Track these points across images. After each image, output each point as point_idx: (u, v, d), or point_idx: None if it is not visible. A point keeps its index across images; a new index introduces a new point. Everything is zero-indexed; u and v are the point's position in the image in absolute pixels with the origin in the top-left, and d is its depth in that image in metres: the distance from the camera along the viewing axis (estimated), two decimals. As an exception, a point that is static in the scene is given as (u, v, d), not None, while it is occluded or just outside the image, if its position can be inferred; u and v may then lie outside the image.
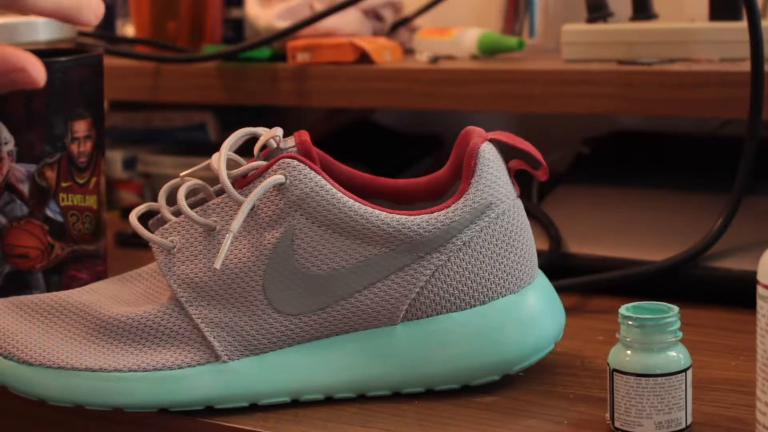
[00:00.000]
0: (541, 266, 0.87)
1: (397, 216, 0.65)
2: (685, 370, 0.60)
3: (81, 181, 0.79)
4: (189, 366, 0.65)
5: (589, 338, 0.77)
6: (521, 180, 0.71)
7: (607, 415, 0.61)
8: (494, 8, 1.14)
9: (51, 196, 0.78)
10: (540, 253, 0.89)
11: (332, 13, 1.03)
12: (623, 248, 0.88)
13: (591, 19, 0.99)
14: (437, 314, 0.66)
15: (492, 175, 0.66)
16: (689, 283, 0.84)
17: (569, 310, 0.84)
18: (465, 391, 0.68)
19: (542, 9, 1.11)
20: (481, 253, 0.66)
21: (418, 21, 1.15)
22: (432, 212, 0.65)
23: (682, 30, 0.94)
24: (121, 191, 1.23)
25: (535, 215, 0.94)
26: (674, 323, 0.60)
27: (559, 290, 0.85)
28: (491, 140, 0.68)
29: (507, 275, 0.67)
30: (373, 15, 1.11)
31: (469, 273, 0.66)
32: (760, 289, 0.56)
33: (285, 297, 0.65)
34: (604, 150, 1.05)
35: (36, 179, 0.77)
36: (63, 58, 0.77)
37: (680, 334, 0.61)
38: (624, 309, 0.61)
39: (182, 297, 0.65)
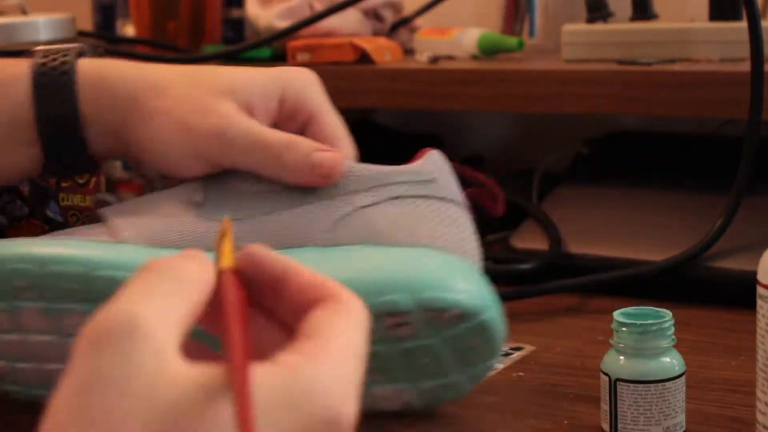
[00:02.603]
0: (542, 266, 0.88)
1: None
2: (684, 373, 0.60)
3: (81, 181, 0.79)
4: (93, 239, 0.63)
5: (589, 338, 0.77)
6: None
7: (606, 425, 0.61)
8: (494, 8, 1.14)
9: (51, 197, 0.78)
10: (540, 253, 0.89)
11: (332, 13, 1.03)
12: (623, 248, 0.88)
13: (591, 19, 0.99)
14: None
15: (442, 167, 0.65)
16: (689, 283, 0.84)
17: (569, 310, 0.84)
18: (465, 391, 0.68)
19: (542, 9, 1.11)
20: (414, 212, 0.63)
21: (418, 21, 1.15)
22: (376, 165, 0.65)
23: (682, 30, 0.94)
24: (121, 191, 1.23)
25: (535, 215, 0.95)
26: (671, 328, 0.61)
27: (559, 290, 0.85)
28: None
29: (431, 240, 0.63)
30: (373, 15, 1.11)
31: (396, 220, 0.63)
32: (760, 289, 0.56)
33: (210, 201, 0.64)
34: (604, 150, 1.05)
35: (36, 179, 0.77)
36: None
37: (675, 338, 0.61)
38: (619, 316, 0.61)
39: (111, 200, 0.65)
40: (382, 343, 0.60)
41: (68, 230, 0.65)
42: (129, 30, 1.23)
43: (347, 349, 0.39)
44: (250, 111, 0.64)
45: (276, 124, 0.65)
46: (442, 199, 0.64)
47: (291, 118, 0.65)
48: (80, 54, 0.66)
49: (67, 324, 0.61)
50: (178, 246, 0.61)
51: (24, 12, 1.05)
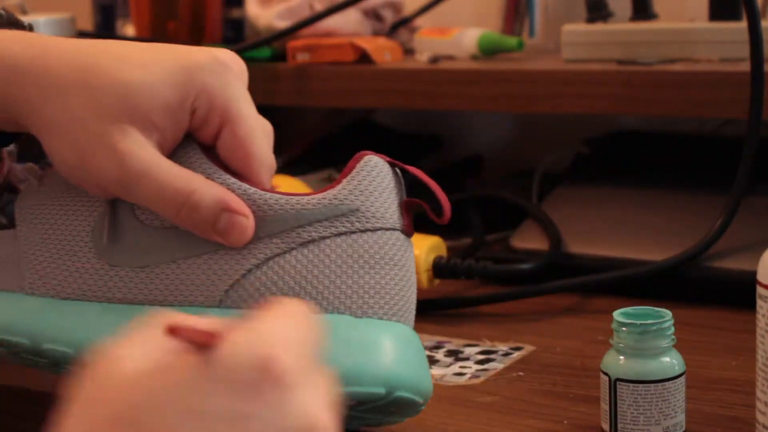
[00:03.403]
0: (542, 266, 0.88)
1: (246, 185, 0.58)
2: (684, 373, 0.60)
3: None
4: None
5: (589, 338, 0.77)
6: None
7: (606, 425, 0.61)
8: (494, 8, 1.14)
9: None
10: (540, 253, 0.89)
11: (332, 13, 1.03)
12: (623, 248, 0.88)
13: (591, 19, 0.99)
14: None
15: (369, 185, 0.59)
16: (689, 283, 0.84)
17: (569, 310, 0.84)
18: (465, 391, 0.68)
19: (542, 9, 1.11)
20: (330, 258, 0.58)
21: (418, 21, 1.15)
22: (287, 194, 0.59)
23: (682, 30, 0.94)
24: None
25: (535, 215, 0.95)
26: (670, 328, 0.61)
27: (559, 290, 0.85)
28: (393, 165, 0.61)
29: (354, 295, 0.58)
30: (373, 15, 1.11)
31: (308, 274, 0.58)
32: (760, 289, 0.56)
33: (112, 245, 0.60)
34: (604, 150, 1.05)
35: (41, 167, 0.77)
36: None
37: (675, 338, 0.61)
38: (619, 316, 0.61)
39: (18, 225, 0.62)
40: None
41: None
42: (129, 30, 1.23)
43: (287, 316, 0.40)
44: (152, 130, 0.57)
45: (191, 129, 0.59)
46: (366, 231, 0.59)
47: (206, 121, 0.58)
48: None
49: None
50: (82, 297, 0.60)
51: (24, 12, 1.05)
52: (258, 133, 0.59)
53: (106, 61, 0.58)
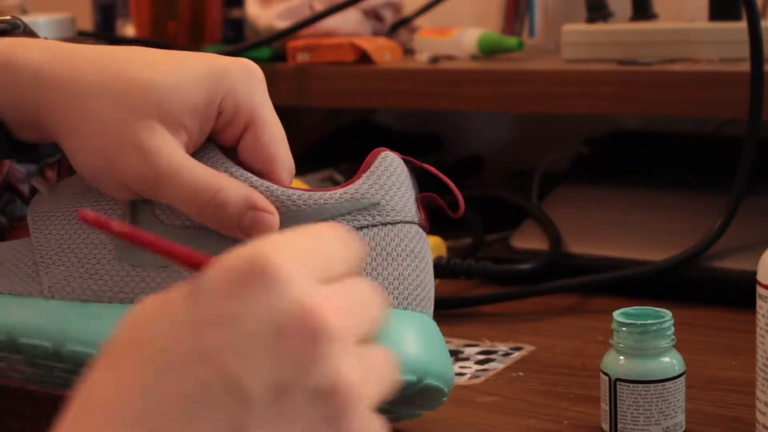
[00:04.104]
0: (542, 266, 0.88)
1: (267, 183, 0.59)
2: (684, 373, 0.60)
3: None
4: (12, 293, 0.62)
5: (589, 338, 0.77)
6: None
7: (606, 425, 0.61)
8: (494, 8, 1.14)
9: (51, 196, 0.78)
10: (540, 253, 0.89)
11: (332, 13, 1.03)
12: (623, 248, 0.88)
13: (591, 19, 0.99)
14: None
15: (389, 179, 0.60)
16: (689, 283, 0.84)
17: (569, 310, 0.84)
18: (465, 391, 0.68)
19: (542, 9, 1.11)
20: None
21: (418, 21, 1.15)
22: (309, 190, 0.60)
23: (682, 30, 0.94)
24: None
25: (535, 215, 0.95)
26: (670, 328, 0.61)
27: (559, 290, 0.85)
28: (405, 160, 0.62)
29: (378, 287, 0.61)
30: (373, 15, 1.11)
31: None
32: (760, 289, 0.56)
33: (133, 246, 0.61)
34: (604, 150, 1.05)
35: (36, 179, 0.77)
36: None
37: (675, 338, 0.61)
38: (619, 316, 0.61)
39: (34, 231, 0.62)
40: None
41: None
42: (129, 30, 1.23)
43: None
44: (180, 131, 0.58)
45: (214, 131, 0.59)
46: (386, 224, 0.60)
47: (230, 123, 0.59)
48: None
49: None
50: (103, 299, 0.60)
51: (24, 12, 1.05)
52: (281, 137, 0.60)
53: (134, 65, 0.58)
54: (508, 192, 1.03)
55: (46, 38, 0.65)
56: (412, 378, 0.58)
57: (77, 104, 0.58)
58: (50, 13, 1.03)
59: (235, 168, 0.59)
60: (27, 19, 0.83)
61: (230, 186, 0.57)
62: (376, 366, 0.39)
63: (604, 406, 0.61)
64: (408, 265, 0.60)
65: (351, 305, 0.39)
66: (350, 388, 0.37)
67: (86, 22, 1.25)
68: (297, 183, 0.94)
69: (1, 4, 1.08)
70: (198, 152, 0.60)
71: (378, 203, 0.60)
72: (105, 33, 1.22)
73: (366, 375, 0.38)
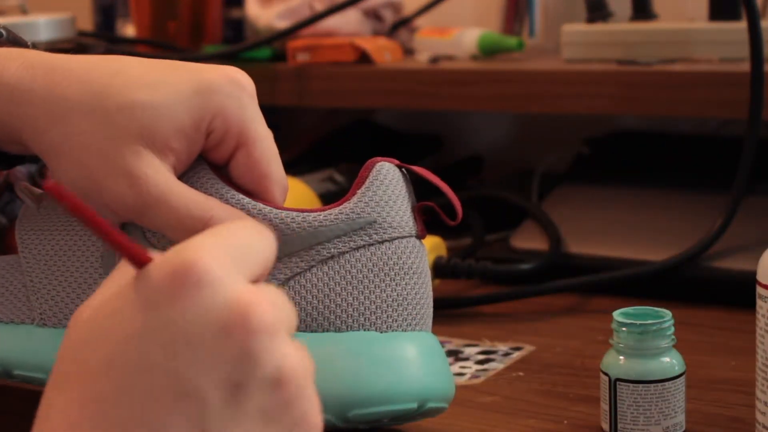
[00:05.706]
0: (542, 266, 0.88)
1: (261, 204, 0.58)
2: (684, 373, 0.60)
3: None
4: (3, 321, 0.62)
5: (589, 338, 0.77)
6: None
7: (606, 425, 0.61)
8: (494, 8, 1.14)
9: (51, 197, 0.78)
10: (540, 253, 0.89)
11: (332, 13, 1.03)
12: (623, 248, 0.88)
13: (591, 19, 0.99)
14: None
15: (384, 194, 0.59)
16: (689, 283, 0.84)
17: (569, 310, 0.84)
18: (465, 391, 0.68)
19: (542, 9, 1.11)
20: (350, 273, 0.58)
21: (418, 21, 1.15)
22: (303, 211, 0.58)
23: (682, 30, 0.94)
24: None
25: (535, 215, 0.95)
26: (670, 328, 0.61)
27: (559, 290, 0.85)
28: (401, 168, 0.60)
29: (378, 310, 0.58)
30: (373, 15, 1.11)
31: (330, 292, 0.58)
32: (760, 289, 0.56)
33: None
34: (604, 150, 1.05)
35: (36, 179, 0.77)
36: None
37: (675, 338, 0.61)
38: (619, 316, 0.61)
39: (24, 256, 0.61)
40: None
41: None
42: (129, 30, 1.23)
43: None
44: (168, 154, 0.56)
45: (204, 150, 0.58)
46: (383, 242, 0.58)
47: (221, 143, 0.57)
48: None
49: None
50: None
51: (24, 12, 1.05)
52: (274, 153, 0.59)
53: (117, 81, 0.56)
54: (508, 192, 1.03)
55: (31, 45, 0.63)
56: (413, 406, 0.58)
57: (58, 121, 0.56)
58: (50, 13, 1.03)
59: (226, 189, 0.58)
60: (27, 19, 0.83)
61: (221, 213, 0.56)
62: (301, 346, 0.40)
63: (604, 406, 0.61)
64: (407, 284, 0.59)
65: (275, 298, 0.40)
66: (296, 372, 0.39)
67: (86, 22, 1.25)
68: (296, 183, 0.94)
69: (1, 4, 1.08)
70: (187, 173, 0.58)
71: (374, 221, 0.58)
72: (105, 33, 1.22)
73: (301, 356, 0.39)
